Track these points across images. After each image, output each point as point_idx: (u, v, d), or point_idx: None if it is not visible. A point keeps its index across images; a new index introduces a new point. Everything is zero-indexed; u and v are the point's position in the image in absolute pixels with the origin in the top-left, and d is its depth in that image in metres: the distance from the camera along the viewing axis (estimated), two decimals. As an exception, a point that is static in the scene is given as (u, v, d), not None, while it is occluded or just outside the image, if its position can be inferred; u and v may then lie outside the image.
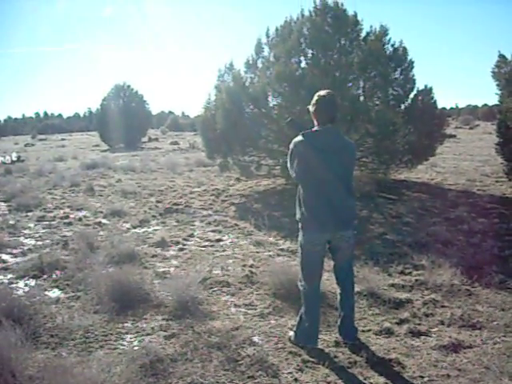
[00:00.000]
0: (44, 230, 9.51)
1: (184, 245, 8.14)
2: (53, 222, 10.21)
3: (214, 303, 5.55)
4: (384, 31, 12.23)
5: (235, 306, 5.50)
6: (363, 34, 12.40)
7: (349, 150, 4.53)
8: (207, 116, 13.41)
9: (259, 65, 13.26)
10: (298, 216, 4.64)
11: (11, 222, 10.14)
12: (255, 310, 5.37)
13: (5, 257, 7.76)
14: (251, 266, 6.74)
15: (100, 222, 10.09)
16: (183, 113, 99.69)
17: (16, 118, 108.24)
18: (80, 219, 10.43)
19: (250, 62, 13.33)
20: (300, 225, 4.63)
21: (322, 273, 4.74)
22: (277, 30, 13.14)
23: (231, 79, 13.19)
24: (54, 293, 6.09)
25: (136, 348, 4.45)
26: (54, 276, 6.65)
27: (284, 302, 5.51)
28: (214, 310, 5.35)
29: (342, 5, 12.17)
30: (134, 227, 9.58)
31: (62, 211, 11.37)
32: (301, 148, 4.35)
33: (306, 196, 4.47)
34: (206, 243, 8.24)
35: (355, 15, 12.28)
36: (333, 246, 4.54)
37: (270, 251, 7.51)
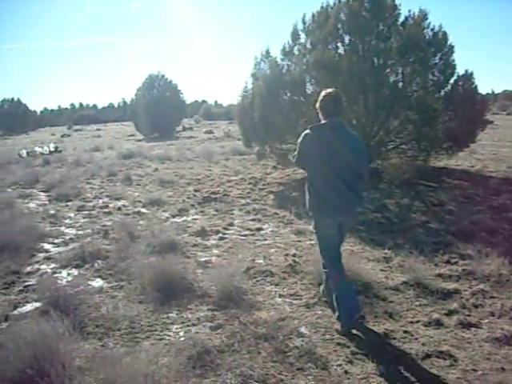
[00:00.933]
0: (84, 220, 9.58)
1: (224, 234, 8.09)
2: (92, 212, 10.28)
3: (258, 293, 5.49)
4: (423, 15, 11.96)
5: (280, 296, 5.43)
6: (401, 19, 12.16)
7: (353, 142, 4.75)
8: (244, 104, 13.34)
9: (295, 52, 13.12)
10: (306, 205, 4.99)
11: (52, 212, 10.26)
12: (300, 300, 5.28)
13: (47, 246, 7.83)
14: (294, 256, 6.65)
15: (139, 212, 10.12)
16: (216, 102, 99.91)
17: (52, 110, 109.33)
18: (119, 208, 10.48)
19: (287, 49, 13.19)
20: (310, 213, 5.01)
21: (341, 254, 5.03)
22: (313, 16, 12.97)
23: (268, 67, 13.10)
24: (97, 282, 6.11)
25: (182, 339, 4.43)
26: (96, 266, 6.68)
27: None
28: (259, 300, 5.29)
29: (380, -11, 11.95)
30: (173, 216, 9.57)
31: (101, 201, 11.46)
32: (307, 140, 4.78)
33: (310, 185, 4.89)
34: (247, 232, 8.18)
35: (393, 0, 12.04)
36: (337, 228, 4.82)
37: (311, 240, 7.33)
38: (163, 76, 40.94)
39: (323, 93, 4.81)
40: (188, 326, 4.77)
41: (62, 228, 8.99)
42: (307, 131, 4.78)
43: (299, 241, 7.48)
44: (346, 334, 4.47)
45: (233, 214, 9.50)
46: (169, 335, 4.58)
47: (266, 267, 6.28)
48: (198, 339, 4.28)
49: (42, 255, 7.36)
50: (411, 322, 4.70)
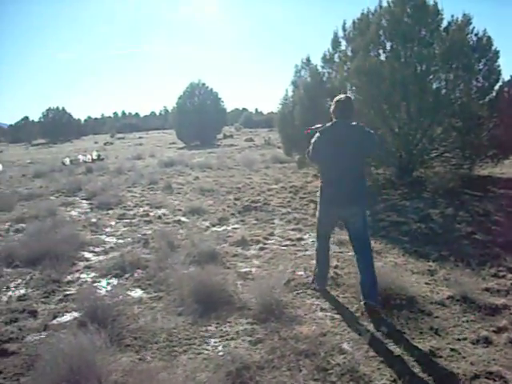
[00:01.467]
0: (125, 228, 9.60)
1: (265, 244, 7.99)
2: (133, 220, 10.31)
3: (299, 306, 5.35)
4: (467, 20, 11.71)
5: (321, 309, 5.29)
6: (444, 24, 11.93)
7: (358, 131, 5.33)
8: (285, 112, 13.30)
9: (336, 59, 13.02)
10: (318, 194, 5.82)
11: (93, 220, 10.32)
12: (342, 314, 5.13)
13: (88, 255, 7.86)
14: (335, 267, 6.49)
15: (179, 220, 10.10)
16: (256, 109, 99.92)
17: (96, 118, 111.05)
18: (159, 217, 10.48)
19: (327, 56, 13.15)
20: (318, 200, 5.76)
21: (330, 236, 6.06)
22: (354, 23, 12.88)
23: (308, 74, 13.04)
24: (136, 293, 6.08)
25: (221, 353, 4.33)
26: (135, 275, 6.67)
27: (372, 306, 5.19)
28: (300, 313, 5.15)
29: (422, -6, 11.76)
30: (214, 225, 9.52)
31: (141, 209, 11.48)
32: (318, 142, 5.47)
33: (322, 176, 5.76)
34: (287, 242, 8.06)
35: (436, 4, 11.83)
36: (343, 219, 5.65)
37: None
38: (204, 84, 41.15)
39: (336, 98, 5.47)
40: (227, 339, 4.66)
41: (103, 236, 9.02)
42: (318, 135, 5.46)
43: (341, 252, 7.31)
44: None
45: (273, 224, 9.40)
46: (207, 349, 4.49)
47: (307, 279, 6.13)
48: (237, 354, 4.18)
49: (82, 264, 7.38)
50: (458, 340, 4.50)
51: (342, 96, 5.47)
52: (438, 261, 6.65)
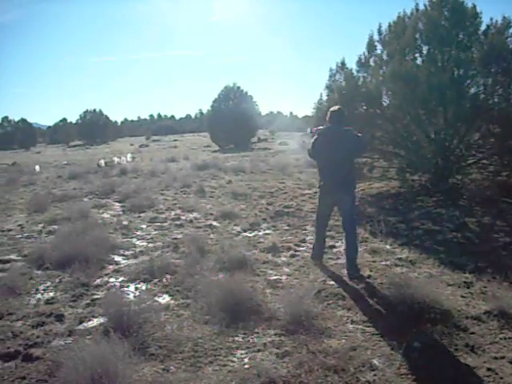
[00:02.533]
0: (156, 232, 9.56)
1: (296, 251, 7.85)
2: (164, 224, 10.27)
3: (329, 318, 5.17)
4: (507, 23, 11.36)
5: (352, 322, 5.09)
6: (483, 27, 11.61)
7: (347, 134, 6.73)
8: (319, 116, 13.10)
9: (371, 63, 12.81)
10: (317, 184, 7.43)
11: (124, 223, 10.31)
12: (374, 327, 4.93)
13: (117, 258, 7.84)
14: (368, 277, 6.33)
15: (211, 225, 10.03)
16: (291, 113, 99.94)
17: (132, 120, 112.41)
18: (191, 221, 10.42)
19: (363, 60, 12.92)
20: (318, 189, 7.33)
21: (328, 219, 7.45)
22: (389, 26, 12.67)
23: (343, 79, 12.85)
24: (164, 299, 5.99)
25: (247, 366, 4.19)
26: (164, 281, 6.59)
27: (405, 319, 4.99)
28: (330, 325, 4.96)
29: (460, -3, 11.51)
30: (245, 230, 9.43)
31: (173, 213, 11.44)
32: (315, 142, 7.06)
33: (318, 170, 7.32)
34: (319, 250, 7.88)
35: (474, 7, 11.54)
36: (336, 204, 7.09)
37: (387, 260, 7.05)
38: (239, 88, 41.31)
39: (331, 109, 6.98)
40: (253, 351, 4.51)
41: (134, 240, 9.00)
42: (316, 136, 7.07)
43: (374, 261, 7.10)
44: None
45: (305, 230, 9.25)
46: (233, 361, 4.35)
47: (337, 289, 5.96)
48: (263, 368, 4.02)
49: (111, 267, 7.35)
50: (495, 358, 4.26)
51: (336, 107, 7.02)
52: (475, 272, 6.39)
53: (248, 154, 27.68)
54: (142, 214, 11.35)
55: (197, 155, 29.41)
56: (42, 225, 10.57)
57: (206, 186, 15.30)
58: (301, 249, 7.98)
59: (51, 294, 6.30)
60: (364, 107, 12.50)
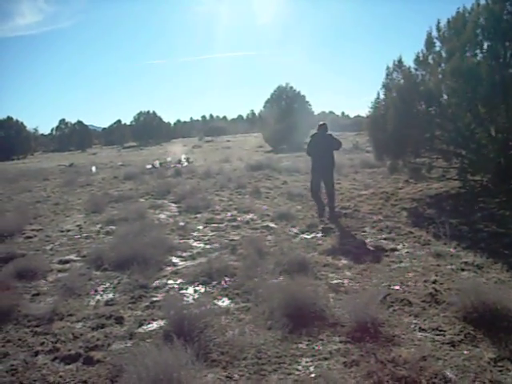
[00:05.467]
0: (212, 233, 9.52)
1: (356, 254, 7.62)
2: (221, 225, 10.24)
3: (396, 325, 4.93)
4: None
5: (420, 329, 4.83)
6: (549, 20, 11.14)
7: (329, 138, 10.93)
8: (376, 116, 12.85)
9: (430, 61, 12.47)
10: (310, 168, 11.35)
11: (181, 224, 10.35)
12: (444, 336, 4.65)
13: (175, 260, 7.83)
14: (434, 282, 6.03)
15: (267, 226, 9.93)
16: (343, 113, 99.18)
17: (185, 121, 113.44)
18: (247, 222, 10.37)
19: (421, 58, 12.58)
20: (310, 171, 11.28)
21: (319, 188, 10.98)
22: (449, 22, 12.28)
23: (401, 77, 12.57)
24: (224, 302, 5.90)
25: (313, 375, 4.02)
26: (222, 283, 6.50)
27: (477, 328, 4.72)
28: (397, 333, 4.72)
29: (524, -11, 11.07)
30: (302, 232, 9.29)
31: (229, 213, 11.41)
32: (310, 142, 11.18)
33: (311, 160, 11.10)
34: (380, 253, 7.67)
35: (539, -1, 11.09)
36: (322, 178, 10.90)
37: (452, 264, 6.74)
38: (291, 87, 41.12)
39: (319, 123, 11.33)
40: (319, 359, 4.32)
41: (191, 241, 8.98)
42: (310, 138, 11.38)
43: (439, 265, 6.80)
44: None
45: (364, 232, 9.03)
46: (298, 369, 4.17)
47: (403, 294, 5.70)
48: (331, 378, 3.85)
49: (169, 269, 7.34)
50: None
51: (321, 122, 11.40)
52: (548, 278, 6.05)
53: (302, 154, 27.40)
54: (198, 215, 11.35)
55: (250, 156, 29.36)
56: (99, 225, 10.70)
57: (260, 186, 15.25)
58: (361, 251, 7.76)
59: (110, 296, 6.32)
60: (423, 106, 12.18)
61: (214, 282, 6.56)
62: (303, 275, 6.22)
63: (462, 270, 6.58)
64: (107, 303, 6.05)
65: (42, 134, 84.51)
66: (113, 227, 10.33)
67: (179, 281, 6.77)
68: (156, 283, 6.69)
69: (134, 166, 24.88)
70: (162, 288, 6.52)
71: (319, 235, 8.97)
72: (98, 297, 6.31)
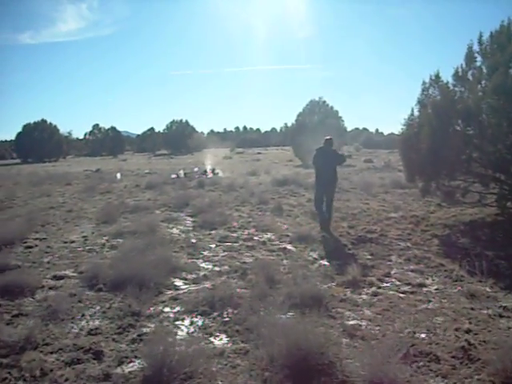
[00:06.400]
0: (224, 253, 8.82)
1: (379, 287, 6.82)
2: (235, 244, 9.54)
3: (419, 389, 4.00)
4: None
5: (449, 396, 3.91)
6: None
7: (334, 154, 11.66)
8: (409, 134, 12.00)
9: (469, 77, 11.61)
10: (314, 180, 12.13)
11: (193, 241, 9.73)
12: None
13: (178, 283, 7.19)
14: (467, 332, 5.13)
15: (285, 248, 9.19)
16: (377, 130, 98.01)
17: (218, 132, 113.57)
18: (264, 243, 9.63)
19: (460, 73, 11.72)
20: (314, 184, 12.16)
21: (322, 200, 11.44)
22: (491, 35, 11.41)
23: (438, 93, 11.72)
24: (221, 340, 5.17)
25: None
26: (224, 315, 5.78)
27: None
28: (421, 400, 3.84)
29: None
30: (322, 258, 8.52)
31: (246, 232, 10.70)
32: (315, 155, 11.64)
33: (316, 172, 11.82)
34: (406, 288, 6.79)
35: None
36: (325, 192, 11.51)
37: (488, 308, 5.83)
38: (324, 102, 40.39)
39: (326, 137, 11.75)
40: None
41: (199, 261, 8.32)
42: (315, 152, 11.67)
43: (472, 308, 5.89)
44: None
45: (390, 261, 8.19)
46: None
47: (429, 346, 4.79)
48: None
49: (169, 293, 6.68)
50: None
51: (328, 136, 11.81)
52: None
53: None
54: (212, 232, 10.64)
55: (278, 169, 28.62)
56: (106, 237, 10.12)
57: (284, 203, 14.48)
58: (385, 285, 6.94)
59: (96, 323, 5.66)
60: (461, 125, 11.31)
61: (215, 314, 5.84)
62: (315, 311, 5.38)
63: (501, 316, 5.67)
64: (90, 332, 5.37)
65: (77, 138, 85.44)
66: (120, 240, 9.72)
67: (177, 309, 6.08)
68: (150, 310, 5.98)
69: (159, 175, 24.49)
70: (156, 317, 5.81)
71: (340, 262, 8.11)
72: (83, 323, 5.63)
